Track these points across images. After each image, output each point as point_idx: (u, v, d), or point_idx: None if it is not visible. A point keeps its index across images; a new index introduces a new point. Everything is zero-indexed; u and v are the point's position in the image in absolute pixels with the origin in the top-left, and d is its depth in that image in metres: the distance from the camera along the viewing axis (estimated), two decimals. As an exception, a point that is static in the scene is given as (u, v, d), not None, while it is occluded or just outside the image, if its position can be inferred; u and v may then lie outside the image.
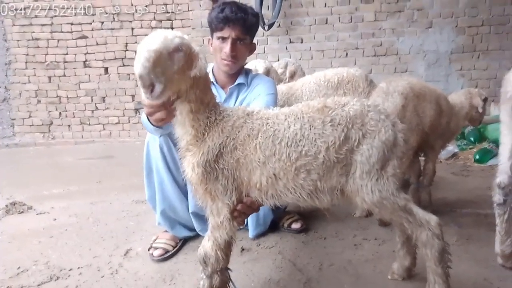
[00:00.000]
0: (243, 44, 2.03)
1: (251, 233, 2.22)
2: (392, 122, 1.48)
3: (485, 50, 5.11)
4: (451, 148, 4.11)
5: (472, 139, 4.34)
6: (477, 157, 3.87)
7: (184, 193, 2.13)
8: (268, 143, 1.42)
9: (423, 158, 2.58)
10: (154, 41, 1.25)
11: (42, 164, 4.63)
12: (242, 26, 1.96)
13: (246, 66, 2.27)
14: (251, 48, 2.14)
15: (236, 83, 2.11)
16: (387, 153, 1.44)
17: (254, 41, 2.15)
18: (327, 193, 1.48)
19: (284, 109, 1.52)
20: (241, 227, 2.12)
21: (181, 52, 1.29)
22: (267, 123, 1.45)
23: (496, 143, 4.01)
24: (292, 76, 3.13)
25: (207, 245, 1.52)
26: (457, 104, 2.58)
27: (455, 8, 5.06)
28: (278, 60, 4.12)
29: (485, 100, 2.62)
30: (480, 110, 2.61)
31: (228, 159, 1.43)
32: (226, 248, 1.53)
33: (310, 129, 1.42)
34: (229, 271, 1.61)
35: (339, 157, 1.42)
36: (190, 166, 1.44)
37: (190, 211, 2.15)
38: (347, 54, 5.31)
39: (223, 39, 1.98)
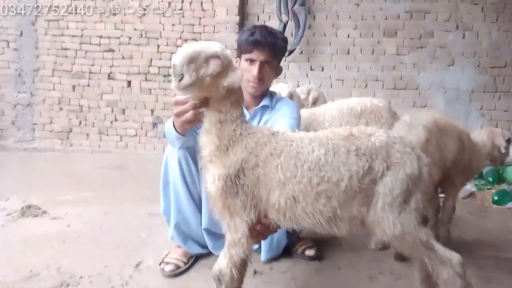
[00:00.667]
0: (270, 67, 2.07)
1: (263, 256, 2.19)
2: (417, 155, 1.47)
3: (507, 91, 5.08)
4: (469, 187, 4.03)
5: (490, 179, 4.26)
6: (496, 198, 3.78)
7: (199, 208, 2.13)
8: (290, 164, 1.42)
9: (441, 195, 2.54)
10: (198, 44, 1.38)
11: (58, 169, 4.69)
12: (270, 50, 2.01)
13: (270, 89, 2.30)
14: (278, 71, 2.18)
15: (260, 105, 2.14)
16: (411, 186, 1.42)
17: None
18: (347, 221, 1.46)
19: (309, 133, 1.53)
20: (255, 247, 2.10)
21: (218, 59, 1.36)
22: (291, 145, 1.45)
23: (516, 185, 3.94)
24: (315, 102, 3.16)
25: (222, 262, 1.50)
26: (479, 142, 2.56)
27: (478, 47, 5.08)
28: (298, 86, 4.18)
29: (508, 140, 2.59)
30: (503, 151, 2.58)
31: (249, 175, 1.44)
32: (241, 267, 1.51)
33: (334, 156, 1.41)
34: (242, 291, 1.58)
35: (361, 187, 1.41)
36: (211, 178, 1.45)
37: (202, 227, 2.14)
38: (366, 85, 5.33)
39: (251, 61, 2.03)
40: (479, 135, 2.61)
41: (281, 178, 1.41)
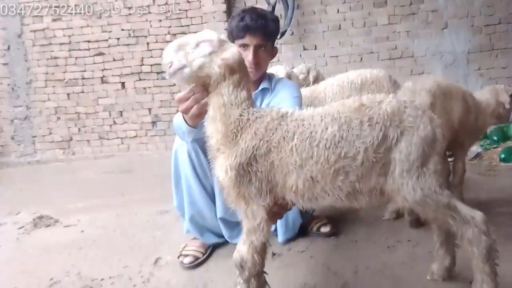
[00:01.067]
0: (265, 51, 2.04)
1: (280, 238, 2.20)
2: (430, 117, 1.44)
3: (504, 48, 5.03)
4: (475, 148, 4.01)
5: (495, 138, 4.24)
6: (503, 156, 3.78)
7: (212, 199, 2.13)
8: (305, 145, 1.38)
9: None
10: (184, 37, 1.42)
11: (64, 179, 4.69)
12: (263, 33, 1.98)
13: (267, 71, 2.27)
14: (273, 53, 2.15)
15: (260, 88, 2.11)
16: (427, 149, 1.40)
17: None
18: (366, 194, 1.44)
19: (318, 109, 1.49)
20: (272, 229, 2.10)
21: (208, 42, 1.37)
22: (303, 125, 1.42)
23: (522, 141, 3.93)
24: (315, 81, 3.12)
25: (243, 249, 1.50)
26: (483, 101, 2.53)
27: (470, 8, 5.02)
28: (293, 68, 4.13)
29: None
30: (507, 106, 2.55)
31: (262, 161, 1.41)
32: (262, 251, 1.51)
33: (348, 130, 1.38)
34: (265, 274, 1.58)
35: (377, 157, 1.38)
36: (223, 169, 1.42)
37: (218, 216, 2.14)
38: (361, 59, 5.28)
39: (245, 46, 2.00)
40: (482, 94, 2.59)
41: (297, 161, 1.39)
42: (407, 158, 1.38)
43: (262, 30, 1.97)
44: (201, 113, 1.48)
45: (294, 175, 1.40)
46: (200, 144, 1.94)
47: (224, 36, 1.45)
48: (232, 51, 1.40)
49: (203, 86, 1.44)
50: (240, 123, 1.41)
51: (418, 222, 2.28)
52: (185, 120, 1.65)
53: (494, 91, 2.59)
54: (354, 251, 2.10)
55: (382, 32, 5.22)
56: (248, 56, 1.98)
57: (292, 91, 2.08)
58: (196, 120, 1.56)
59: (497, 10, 4.99)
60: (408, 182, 1.39)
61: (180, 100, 1.49)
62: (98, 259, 2.25)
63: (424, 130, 1.39)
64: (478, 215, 1.44)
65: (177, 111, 1.65)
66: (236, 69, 1.40)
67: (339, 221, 2.47)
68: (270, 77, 2.17)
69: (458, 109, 2.19)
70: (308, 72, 3.18)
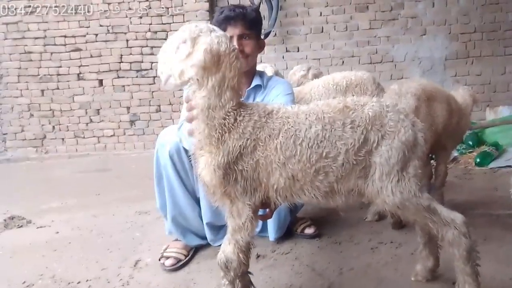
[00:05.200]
0: (250, 39, 2.01)
1: (272, 236, 2.18)
2: (411, 121, 1.45)
3: (478, 56, 5.21)
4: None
5: (470, 143, 4.36)
6: (478, 160, 3.89)
7: (195, 200, 2.09)
8: (289, 143, 1.37)
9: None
10: (167, 42, 1.38)
11: (37, 178, 4.50)
12: (243, 21, 1.96)
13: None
14: (260, 44, 2.12)
15: (253, 85, 2.09)
16: (407, 153, 1.40)
17: None
18: (343, 194, 1.44)
19: (303, 107, 1.47)
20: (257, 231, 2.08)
21: (184, 43, 1.32)
22: (288, 122, 1.40)
23: (495, 146, 4.05)
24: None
25: (227, 249, 1.46)
26: (463, 103, 2.59)
27: (447, 15, 5.17)
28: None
29: None
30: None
31: (248, 160, 1.38)
32: (247, 251, 1.48)
33: (331, 130, 1.37)
34: (249, 275, 1.55)
35: (358, 159, 1.38)
36: (210, 168, 1.38)
37: (205, 221, 2.11)
38: (343, 62, 5.35)
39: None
40: (461, 95, 2.65)
41: (280, 159, 1.37)
42: (387, 161, 1.38)
43: (241, 18, 1.95)
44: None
45: (277, 173, 1.39)
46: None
47: (202, 29, 1.34)
48: (201, 49, 1.29)
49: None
50: (226, 124, 1.35)
51: (401, 224, 2.30)
52: None
53: (470, 93, 2.67)
54: (338, 253, 2.09)
55: (363, 36, 5.30)
56: None
57: (285, 88, 2.07)
58: (189, 130, 1.50)
59: (472, 19, 5.16)
60: (387, 185, 1.39)
61: (189, 109, 1.45)
62: (74, 261, 2.16)
63: (405, 134, 1.39)
64: (458, 217, 1.45)
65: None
66: (212, 68, 1.31)
67: (322, 223, 2.46)
68: (261, 74, 2.16)
69: (443, 113, 2.22)
70: (308, 70, 3.17)
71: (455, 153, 4.20)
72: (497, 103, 5.15)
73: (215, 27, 1.41)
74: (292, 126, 1.39)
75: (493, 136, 4.32)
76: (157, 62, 1.40)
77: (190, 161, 1.91)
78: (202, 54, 1.29)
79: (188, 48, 1.31)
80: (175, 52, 1.32)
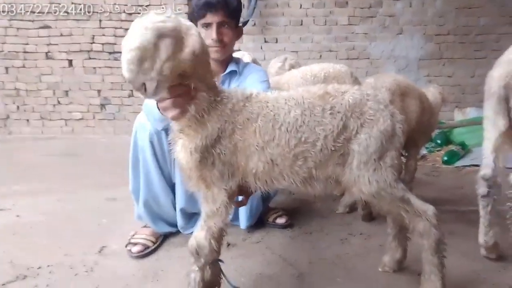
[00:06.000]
0: (229, 28, 1.97)
1: (243, 224, 2.16)
2: (391, 112, 1.47)
3: (451, 58, 5.36)
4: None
5: (439, 141, 4.51)
6: (445, 158, 4.02)
7: (170, 186, 2.03)
8: (268, 127, 1.36)
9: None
10: (134, 36, 1.14)
11: (-2, 160, 4.27)
12: (224, 9, 1.91)
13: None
14: (238, 33, 2.08)
15: (228, 70, 2.05)
16: (385, 143, 1.42)
17: None
18: (321, 181, 1.45)
19: (283, 93, 1.47)
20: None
21: (167, 37, 1.17)
22: (267, 106, 1.38)
23: (462, 145, 4.20)
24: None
25: (200, 235, 1.42)
26: (433, 101, 2.66)
27: (424, 16, 5.28)
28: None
29: None
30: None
31: (226, 143, 1.35)
32: (220, 237, 1.45)
33: (310, 115, 1.37)
34: (220, 262, 1.52)
35: (336, 146, 1.38)
36: (187, 151, 1.34)
37: (178, 207, 2.06)
38: (321, 56, 5.37)
39: (207, 25, 1.93)
40: (431, 94, 2.71)
41: (259, 143, 1.35)
42: (365, 150, 1.39)
43: (223, 6, 1.90)
44: (183, 113, 1.32)
45: (256, 157, 1.37)
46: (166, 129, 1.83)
47: (175, 20, 1.22)
48: (194, 42, 1.22)
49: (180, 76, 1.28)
50: (205, 107, 1.32)
51: (371, 216, 2.35)
52: (158, 108, 1.45)
53: (440, 91, 2.74)
54: (309, 243, 2.10)
55: (341, 32, 5.34)
56: (212, 35, 1.91)
57: (260, 75, 2.04)
58: (177, 115, 1.34)
59: (447, 21, 5.30)
60: (365, 174, 1.40)
61: (164, 109, 1.34)
62: (36, 247, 2.05)
63: (384, 124, 1.41)
64: (430, 209, 1.48)
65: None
66: (199, 59, 1.26)
67: (294, 213, 2.47)
68: (237, 61, 2.11)
69: (415, 109, 2.27)
70: (284, 61, 3.15)
71: (423, 151, 4.33)
72: (465, 104, 5.33)
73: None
74: (271, 111, 1.38)
75: (461, 136, 4.48)
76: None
77: (170, 144, 1.85)
78: (194, 46, 1.22)
79: (172, 45, 1.19)
80: (155, 52, 1.16)
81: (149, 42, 1.14)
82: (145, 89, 1.20)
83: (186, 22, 1.26)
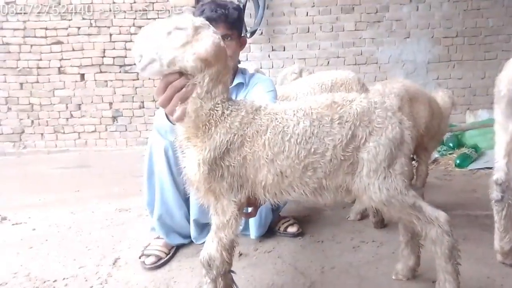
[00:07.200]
0: (232, 40, 1.97)
1: (254, 234, 2.17)
2: (399, 119, 1.46)
3: (460, 60, 5.32)
4: (432, 154, 4.20)
5: (451, 145, 4.46)
6: (458, 162, 3.97)
7: (184, 199, 2.05)
8: (278, 139, 1.36)
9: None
10: (153, 25, 1.29)
11: (14, 174, 4.36)
12: (225, 22, 1.92)
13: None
14: (241, 43, 2.08)
15: (235, 83, 2.06)
16: (394, 150, 1.41)
17: None
18: (332, 191, 1.44)
19: (291, 103, 1.47)
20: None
21: (181, 30, 1.25)
22: (276, 118, 1.39)
23: (474, 148, 4.15)
24: None
25: (211, 247, 1.43)
26: (442, 105, 2.64)
27: (431, 19, 5.26)
28: (261, 68, 4.11)
29: None
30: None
31: (235, 156, 1.35)
32: (231, 249, 1.45)
33: (319, 126, 1.37)
34: (232, 273, 1.53)
35: (346, 155, 1.38)
36: (195, 163, 1.35)
37: (192, 218, 2.08)
38: (328, 62, 5.38)
39: None
40: (440, 97, 2.69)
41: (269, 155, 1.35)
42: (374, 158, 1.38)
43: (223, 19, 1.91)
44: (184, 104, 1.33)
45: (265, 170, 1.37)
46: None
47: (202, 20, 1.32)
48: (205, 42, 1.27)
49: (180, 72, 1.32)
50: (213, 116, 1.33)
51: (382, 223, 2.33)
52: (167, 117, 1.48)
53: (449, 95, 2.72)
54: (320, 251, 2.09)
55: (348, 38, 5.34)
56: None
57: (267, 85, 2.05)
58: (180, 114, 1.35)
59: (454, 24, 5.27)
60: (374, 182, 1.39)
61: (157, 93, 1.35)
62: (51, 259, 2.09)
63: (392, 131, 1.40)
64: (442, 215, 1.47)
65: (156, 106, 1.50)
66: (212, 61, 1.28)
67: (305, 222, 2.46)
68: (243, 72, 2.13)
69: (425, 114, 2.26)
70: (300, 72, 3.15)
71: (435, 155, 4.29)
72: (477, 106, 5.27)
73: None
74: (280, 123, 1.38)
75: (473, 139, 4.42)
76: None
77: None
78: (205, 46, 1.26)
79: (186, 37, 1.25)
80: (165, 37, 1.24)
81: (167, 29, 1.25)
82: (140, 61, 1.28)
83: (207, 30, 1.31)
